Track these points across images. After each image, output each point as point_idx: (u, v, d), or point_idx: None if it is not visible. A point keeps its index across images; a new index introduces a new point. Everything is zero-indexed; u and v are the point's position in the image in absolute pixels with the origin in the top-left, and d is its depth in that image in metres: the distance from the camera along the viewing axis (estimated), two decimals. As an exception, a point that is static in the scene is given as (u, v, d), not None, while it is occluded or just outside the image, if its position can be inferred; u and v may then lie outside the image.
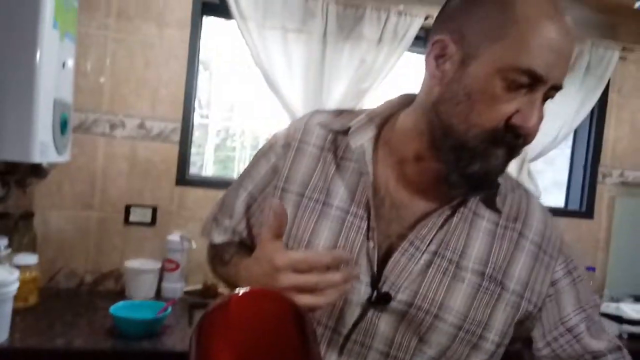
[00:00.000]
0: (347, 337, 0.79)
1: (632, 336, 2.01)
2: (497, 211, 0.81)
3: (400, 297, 0.78)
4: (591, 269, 2.44)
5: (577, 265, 0.86)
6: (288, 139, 0.88)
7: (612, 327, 2.06)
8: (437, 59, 0.75)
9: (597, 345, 0.83)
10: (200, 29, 2.07)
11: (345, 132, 0.84)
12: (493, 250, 0.80)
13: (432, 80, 0.75)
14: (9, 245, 1.63)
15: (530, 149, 2.34)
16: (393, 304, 0.78)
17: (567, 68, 0.71)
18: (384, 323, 0.78)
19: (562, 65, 0.69)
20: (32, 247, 1.81)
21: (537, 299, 0.82)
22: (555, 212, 2.54)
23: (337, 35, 2.07)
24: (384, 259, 0.79)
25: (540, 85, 0.69)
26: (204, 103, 2.68)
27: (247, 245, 0.93)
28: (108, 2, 1.93)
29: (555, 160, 2.79)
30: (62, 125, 1.53)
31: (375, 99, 2.18)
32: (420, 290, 0.78)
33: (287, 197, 0.84)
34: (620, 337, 2.00)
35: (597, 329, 0.85)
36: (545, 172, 2.79)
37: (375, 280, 0.78)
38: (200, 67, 2.16)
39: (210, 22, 2.17)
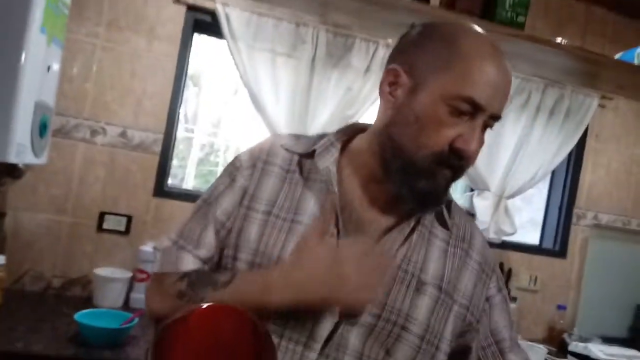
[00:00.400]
0: (320, 353, 0.80)
1: (598, 376, 2.03)
2: (448, 229, 0.90)
3: (370, 309, 0.82)
4: (562, 307, 2.47)
5: (503, 286, 0.96)
6: (253, 161, 0.91)
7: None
8: (390, 85, 0.85)
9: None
10: (190, 46, 2.10)
11: (310, 154, 0.89)
12: (446, 266, 0.88)
13: (386, 105, 0.85)
14: (-23, 244, 1.61)
15: (508, 186, 2.38)
16: (363, 318, 0.81)
17: (505, 101, 0.81)
18: (353, 336, 0.81)
19: (500, 98, 0.79)
20: (1, 248, 1.79)
21: (477, 312, 0.91)
22: (530, 249, 2.58)
23: (325, 62, 2.11)
24: None
25: (480, 113, 0.78)
26: (190, 117, 2.69)
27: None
28: (99, 11, 1.95)
29: (533, 198, 2.83)
30: (42, 128, 1.53)
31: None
32: (388, 302, 0.83)
33: (254, 216, 0.86)
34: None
35: (517, 345, 0.95)
36: (522, 210, 2.83)
37: None
38: (190, 82, 2.18)
39: (203, 39, 2.20)
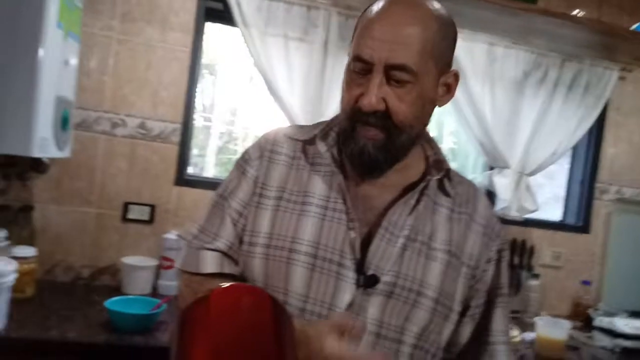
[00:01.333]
0: None
1: (624, 350, 2.02)
2: (450, 197, 0.94)
3: (385, 278, 0.86)
4: (586, 282, 2.45)
5: (505, 248, 1.00)
6: (260, 151, 0.97)
7: (605, 341, 2.07)
8: (345, 72, 0.90)
9: (495, 327, 0.96)
10: (203, 34, 2.11)
11: (312, 140, 0.94)
12: (452, 231, 0.93)
13: None
14: (8, 238, 1.66)
15: (528, 163, 2.35)
16: (380, 286, 0.86)
17: (399, 50, 0.82)
18: (372, 305, 0.85)
19: (387, 48, 0.81)
20: (30, 240, 1.85)
21: (480, 272, 0.95)
22: (552, 226, 2.56)
23: (338, 45, 2.10)
24: (364, 245, 0.87)
25: (374, 67, 0.82)
26: (207, 106, 2.72)
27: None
28: (113, 4, 1.98)
29: (555, 175, 2.80)
30: (63, 122, 1.57)
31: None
32: (402, 271, 0.87)
33: (266, 202, 0.92)
34: (612, 351, 2.01)
35: (505, 314, 0.98)
36: (545, 187, 2.80)
37: (360, 266, 0.86)
38: (206, 72, 2.20)
39: (216, 28, 2.21)
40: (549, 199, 2.81)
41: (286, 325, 0.71)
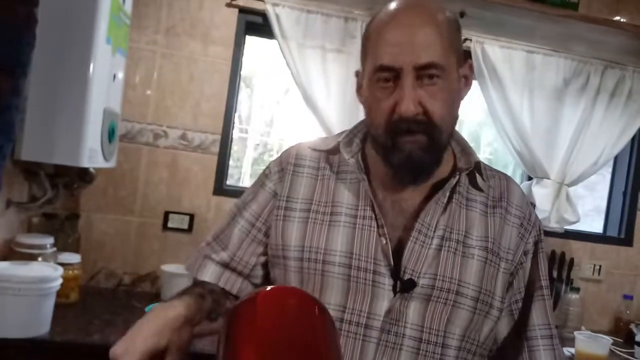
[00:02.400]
0: (381, 330, 0.84)
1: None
2: (480, 190, 0.93)
3: (423, 281, 0.85)
4: (628, 297, 2.38)
5: (543, 239, 0.98)
6: (282, 165, 0.97)
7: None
8: (359, 88, 0.94)
9: (534, 322, 0.94)
10: (243, 47, 2.16)
11: (335, 150, 0.94)
12: (489, 227, 0.91)
13: (362, 105, 0.93)
14: (55, 244, 1.72)
15: (568, 173, 2.31)
16: (418, 290, 0.85)
17: (423, 47, 0.82)
18: (412, 310, 0.85)
19: (410, 48, 0.82)
20: (75, 247, 1.91)
21: (517, 265, 0.93)
22: (593, 238, 2.49)
23: (374, 55, 2.11)
24: (397, 250, 0.87)
25: (401, 73, 0.82)
26: (244, 118, 2.76)
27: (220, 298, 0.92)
28: (158, 19, 2.05)
29: (597, 186, 2.73)
30: (110, 133, 1.63)
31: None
32: (439, 272, 0.86)
33: (292, 215, 0.92)
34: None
35: (545, 307, 0.95)
36: (586, 198, 2.74)
37: (395, 271, 0.85)
38: (242, 84, 2.24)
39: (252, 41, 2.26)
40: (590, 210, 2.74)
41: (330, 327, 0.72)
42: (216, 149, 2.11)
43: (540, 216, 2.28)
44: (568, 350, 1.90)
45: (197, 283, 0.94)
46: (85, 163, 1.50)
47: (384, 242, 0.86)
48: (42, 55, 1.36)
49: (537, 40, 2.19)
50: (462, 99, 0.92)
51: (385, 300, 0.84)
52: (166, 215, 2.07)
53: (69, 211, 1.97)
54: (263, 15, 2.05)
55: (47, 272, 1.47)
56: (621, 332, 2.32)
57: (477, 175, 0.93)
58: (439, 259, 0.86)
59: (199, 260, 0.96)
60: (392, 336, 0.84)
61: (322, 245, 0.88)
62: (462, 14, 1.94)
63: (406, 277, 0.85)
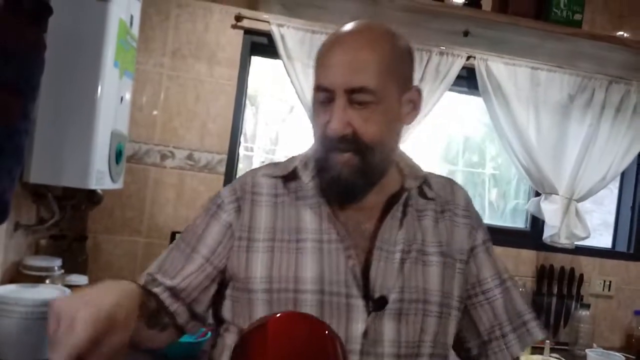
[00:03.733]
0: (361, 352, 0.84)
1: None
2: (432, 199, 0.97)
3: (392, 296, 0.86)
4: (638, 312, 2.35)
5: (489, 238, 1.03)
6: (237, 195, 0.95)
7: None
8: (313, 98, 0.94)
9: (504, 316, 0.97)
10: (249, 68, 2.18)
11: (292, 175, 0.94)
12: (440, 232, 0.95)
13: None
14: (62, 266, 1.73)
15: (577, 189, 2.30)
16: (389, 306, 0.86)
17: (356, 72, 0.84)
18: (386, 328, 0.86)
19: (343, 73, 0.84)
20: (83, 269, 1.91)
21: (468, 261, 0.98)
22: (602, 253, 2.48)
23: (379, 74, 2.13)
24: (365, 270, 0.88)
25: (336, 94, 0.84)
26: (249, 136, 2.78)
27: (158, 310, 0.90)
28: (164, 42, 2.07)
29: (605, 200, 2.72)
30: (118, 155, 1.64)
31: (416, 135, 2.22)
32: (405, 285, 0.88)
33: (256, 246, 0.90)
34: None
35: (511, 298, 0.98)
36: (593, 212, 2.73)
37: (366, 291, 0.86)
38: (247, 102, 2.26)
39: (258, 60, 2.28)
40: (599, 225, 2.72)
41: (341, 351, 0.72)
42: (222, 168, 2.12)
43: (549, 232, 2.27)
44: (580, 369, 1.88)
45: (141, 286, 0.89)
46: (93, 185, 1.50)
47: (352, 263, 0.87)
48: (51, 79, 1.38)
49: (541, 57, 2.20)
50: (406, 123, 0.94)
51: (360, 322, 0.85)
52: (173, 235, 2.08)
53: (77, 233, 1.98)
54: (268, 35, 2.07)
55: (56, 295, 1.47)
56: (633, 348, 2.29)
57: (426, 187, 0.97)
58: (404, 271, 0.89)
59: (141, 278, 0.93)
60: (372, 358, 0.84)
61: (291, 274, 0.87)
62: (465, 33, 1.95)
63: (376, 295, 0.86)
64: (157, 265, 0.95)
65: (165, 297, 0.91)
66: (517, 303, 0.99)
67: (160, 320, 0.88)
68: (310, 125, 0.94)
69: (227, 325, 0.94)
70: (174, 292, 0.91)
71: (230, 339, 0.93)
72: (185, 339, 1.61)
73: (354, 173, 0.87)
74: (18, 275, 1.61)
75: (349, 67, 0.85)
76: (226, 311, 0.94)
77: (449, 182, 1.04)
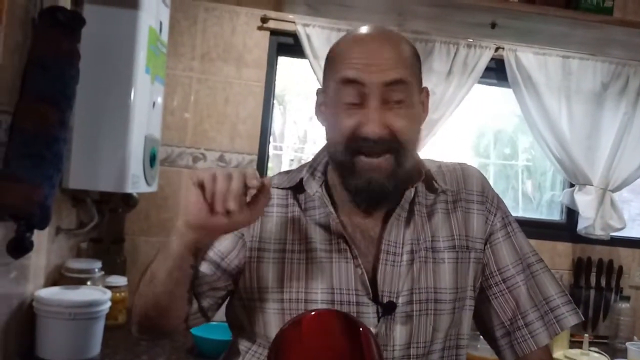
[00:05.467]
0: None
1: None
2: (443, 192, 0.94)
3: (401, 300, 0.86)
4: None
5: (513, 220, 0.99)
6: None
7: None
8: (319, 106, 0.93)
9: (528, 304, 0.94)
10: (276, 68, 2.20)
11: (299, 186, 0.93)
12: (452, 224, 0.93)
13: (321, 124, 0.93)
14: (102, 268, 1.78)
15: (612, 179, 2.25)
16: (399, 310, 0.86)
17: (389, 66, 0.82)
18: (397, 332, 0.86)
19: (376, 65, 0.82)
20: (122, 270, 1.97)
21: (485, 248, 0.96)
22: (640, 243, 2.39)
23: (406, 69, 2.12)
24: (374, 276, 0.88)
25: (367, 90, 0.82)
26: (277, 135, 2.81)
27: None
28: (193, 47, 2.11)
29: (643, 189, 2.65)
30: (152, 159, 1.68)
31: (446, 128, 2.20)
32: (414, 286, 0.87)
33: (267, 257, 0.90)
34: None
35: (537, 284, 0.95)
36: (632, 202, 2.66)
37: (375, 298, 0.86)
38: (275, 102, 2.29)
39: (285, 60, 2.30)
40: (637, 215, 2.65)
41: (374, 347, 0.73)
42: (253, 169, 2.14)
43: (584, 224, 2.22)
44: (621, 363, 1.84)
45: None
46: (129, 189, 1.55)
47: (360, 272, 0.87)
48: (86, 87, 1.42)
49: (572, 45, 2.15)
50: (421, 124, 0.92)
51: (371, 328, 0.84)
52: (207, 235, 2.11)
53: (115, 236, 2.04)
54: (294, 36, 2.09)
55: (97, 296, 1.52)
56: (676, 341, 2.22)
57: (432, 180, 0.93)
58: (412, 273, 0.88)
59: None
60: None
61: (302, 284, 0.87)
62: (493, 25, 1.93)
63: (385, 300, 0.86)
64: None
65: None
66: (545, 288, 0.95)
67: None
68: (324, 126, 0.92)
69: (240, 331, 0.96)
70: None
71: (244, 345, 0.94)
72: (221, 336, 1.65)
73: (387, 178, 0.85)
74: (60, 277, 1.67)
75: (382, 61, 0.82)
76: (240, 317, 0.95)
77: (461, 168, 1.00)
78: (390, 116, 0.83)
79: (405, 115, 0.84)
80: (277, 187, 0.95)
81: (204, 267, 0.92)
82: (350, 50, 0.85)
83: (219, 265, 0.92)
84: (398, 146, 0.84)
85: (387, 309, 0.86)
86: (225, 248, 0.92)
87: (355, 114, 0.83)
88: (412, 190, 0.91)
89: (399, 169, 0.86)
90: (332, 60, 0.88)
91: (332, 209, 0.90)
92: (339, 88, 0.84)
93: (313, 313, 0.77)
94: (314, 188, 0.92)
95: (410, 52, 0.88)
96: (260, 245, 0.91)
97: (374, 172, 0.85)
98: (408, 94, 0.84)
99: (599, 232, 2.22)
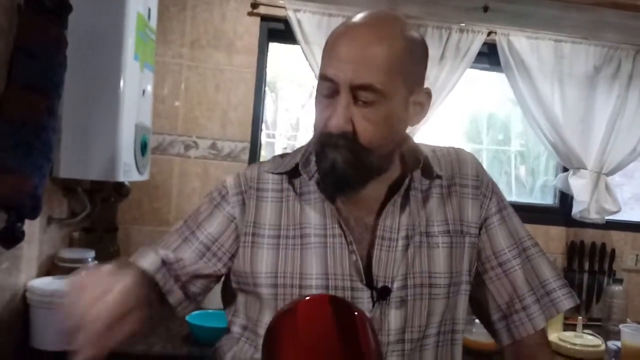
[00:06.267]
0: None
1: None
2: (438, 177, 0.93)
3: (396, 284, 0.86)
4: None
5: (508, 205, 0.99)
6: (242, 188, 0.93)
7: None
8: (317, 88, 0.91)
9: (524, 287, 0.95)
10: (267, 55, 2.18)
11: (294, 171, 0.92)
12: (447, 209, 0.93)
13: None
14: (95, 257, 1.77)
15: (606, 162, 2.25)
16: (393, 295, 0.86)
17: (363, 69, 0.81)
18: (392, 317, 0.86)
19: (352, 67, 0.80)
20: (115, 259, 1.96)
21: (480, 233, 0.95)
22: (634, 227, 2.42)
23: (398, 54, 2.11)
24: (369, 261, 0.88)
25: (340, 88, 0.81)
26: (270, 123, 2.79)
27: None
28: (182, 33, 2.09)
29: (635, 173, 2.66)
30: (143, 147, 1.67)
31: (439, 114, 2.19)
32: (408, 271, 0.87)
33: (261, 241, 0.90)
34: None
35: (533, 267, 0.96)
36: (624, 186, 2.67)
37: (369, 283, 0.86)
38: (267, 89, 2.27)
39: (276, 46, 2.28)
40: (629, 199, 2.67)
41: (370, 332, 0.73)
42: (246, 156, 2.14)
43: (579, 208, 2.23)
44: (614, 344, 1.85)
45: (131, 264, 0.88)
46: (120, 177, 1.54)
47: (355, 258, 0.87)
48: (74, 75, 1.40)
49: (564, 29, 2.14)
50: (411, 124, 0.91)
51: (366, 312, 0.83)
52: (200, 224, 2.11)
53: (107, 225, 2.02)
54: (285, 21, 2.07)
55: (89, 286, 1.51)
56: (669, 323, 2.24)
57: (427, 167, 0.92)
58: (407, 257, 0.88)
59: (140, 251, 0.92)
60: None
61: (296, 269, 0.87)
62: (485, 9, 1.91)
63: (379, 285, 0.86)
64: (162, 244, 0.94)
65: (161, 273, 0.90)
66: (541, 271, 0.96)
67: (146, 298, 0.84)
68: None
69: (235, 313, 0.96)
70: (170, 266, 0.90)
71: (238, 330, 0.94)
72: (216, 324, 1.65)
73: (347, 167, 0.84)
74: (53, 267, 1.66)
75: (358, 62, 0.81)
76: (234, 298, 0.95)
77: (455, 153, 0.99)
78: (357, 115, 0.82)
79: (374, 117, 0.82)
80: (272, 172, 0.94)
81: (192, 254, 0.91)
82: (332, 46, 0.84)
83: (209, 248, 0.91)
84: (359, 146, 0.83)
85: (381, 294, 0.86)
86: (215, 231, 0.91)
87: (328, 108, 0.84)
88: (409, 177, 0.90)
89: (360, 165, 0.85)
90: (323, 52, 0.87)
91: (326, 195, 0.89)
92: (319, 82, 0.86)
93: (307, 298, 0.76)
94: (310, 173, 0.91)
95: (400, 51, 0.83)
96: (255, 231, 0.90)
97: (336, 160, 0.84)
98: (380, 97, 0.82)
99: (594, 216, 2.23)
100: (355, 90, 0.81)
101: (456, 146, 1.02)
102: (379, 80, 0.81)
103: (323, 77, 0.84)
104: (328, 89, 0.83)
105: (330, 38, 0.86)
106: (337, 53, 0.82)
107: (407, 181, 0.90)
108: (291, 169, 0.93)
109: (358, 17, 0.87)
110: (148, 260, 0.90)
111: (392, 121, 0.85)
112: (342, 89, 0.81)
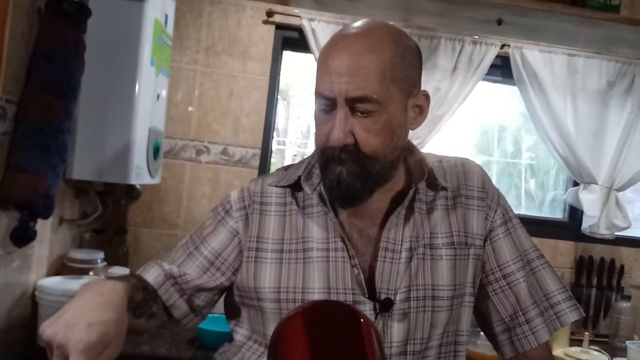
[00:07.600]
0: None
1: None
2: (444, 189, 0.93)
3: (399, 297, 0.86)
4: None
5: (513, 216, 0.99)
6: (245, 203, 0.94)
7: None
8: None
9: (528, 300, 0.94)
10: (281, 62, 2.20)
11: (297, 184, 0.92)
12: (452, 221, 0.93)
13: None
14: (105, 259, 1.79)
15: (617, 178, 2.24)
16: (396, 307, 0.86)
17: (357, 80, 0.81)
18: (395, 329, 0.86)
19: (344, 80, 0.81)
20: (124, 261, 1.98)
21: (485, 245, 0.95)
22: (643, 243, 2.38)
23: (410, 65, 2.11)
24: (372, 274, 0.87)
25: (337, 102, 0.82)
26: (281, 129, 2.81)
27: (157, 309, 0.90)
28: (198, 39, 2.11)
29: (646, 190, 2.64)
30: (155, 151, 1.69)
31: (450, 125, 2.20)
32: (411, 283, 0.87)
33: (264, 256, 0.90)
34: None
35: (538, 280, 0.95)
36: (635, 202, 2.65)
37: (372, 296, 0.86)
38: (279, 97, 2.28)
39: (289, 54, 2.29)
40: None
41: (375, 337, 0.73)
42: (256, 162, 2.15)
43: (589, 223, 2.22)
44: (620, 362, 1.84)
45: (134, 275, 0.92)
46: (132, 180, 1.56)
47: (357, 272, 0.87)
48: (91, 78, 1.43)
49: (578, 43, 2.14)
50: (411, 128, 0.91)
51: None
52: (209, 228, 2.12)
53: (118, 227, 2.04)
54: (299, 30, 2.08)
55: (99, 286, 1.52)
56: (678, 342, 2.22)
57: (433, 178, 0.92)
58: (410, 270, 0.88)
59: (146, 265, 0.94)
60: None
61: (299, 284, 0.87)
62: (499, 22, 1.92)
63: (382, 297, 0.86)
64: (168, 260, 0.95)
65: (164, 288, 0.92)
66: (546, 284, 0.95)
67: (147, 310, 0.87)
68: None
69: (237, 323, 0.96)
70: (175, 280, 0.92)
71: (241, 339, 0.95)
72: (222, 328, 1.65)
73: (353, 178, 0.84)
74: (63, 267, 1.68)
75: (350, 75, 0.81)
76: (238, 311, 0.95)
77: (462, 164, 0.99)
78: (356, 126, 0.83)
79: (374, 127, 0.83)
80: (276, 185, 0.94)
81: (196, 268, 0.92)
82: (323, 61, 0.84)
83: (213, 263, 0.92)
84: (362, 157, 0.84)
85: (384, 306, 0.86)
86: (219, 246, 0.92)
87: (328, 123, 0.85)
88: (413, 189, 0.90)
89: (366, 175, 0.85)
90: (316, 68, 0.88)
91: (329, 208, 0.90)
92: (316, 99, 0.86)
93: (313, 303, 0.77)
94: (312, 186, 0.91)
95: (393, 57, 0.83)
96: (258, 245, 0.91)
97: (342, 170, 0.85)
98: (379, 107, 0.82)
99: (603, 231, 2.22)
100: (351, 102, 0.82)
101: (464, 157, 1.02)
102: (374, 90, 0.81)
103: (318, 94, 0.85)
104: (325, 104, 0.84)
105: (321, 53, 0.86)
106: (329, 67, 0.82)
107: (411, 192, 0.90)
108: (294, 182, 0.93)
109: (346, 29, 0.88)
110: (153, 275, 0.92)
111: (393, 128, 0.86)
112: (339, 103, 0.82)
